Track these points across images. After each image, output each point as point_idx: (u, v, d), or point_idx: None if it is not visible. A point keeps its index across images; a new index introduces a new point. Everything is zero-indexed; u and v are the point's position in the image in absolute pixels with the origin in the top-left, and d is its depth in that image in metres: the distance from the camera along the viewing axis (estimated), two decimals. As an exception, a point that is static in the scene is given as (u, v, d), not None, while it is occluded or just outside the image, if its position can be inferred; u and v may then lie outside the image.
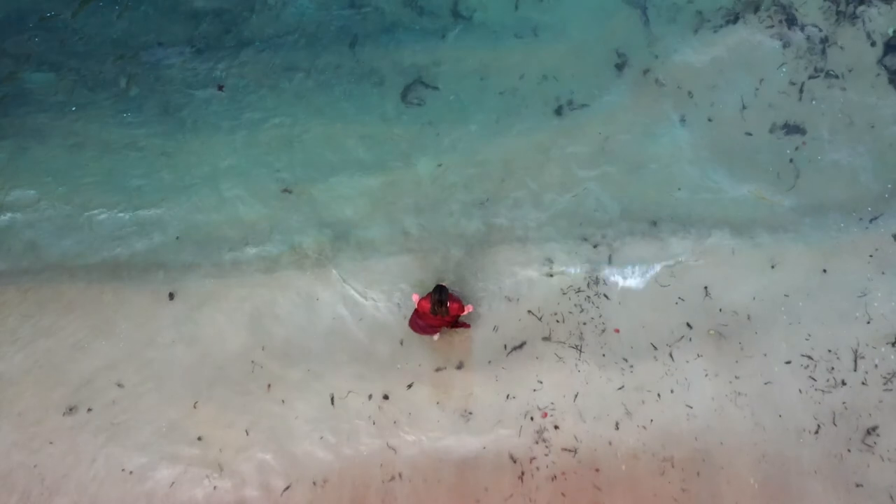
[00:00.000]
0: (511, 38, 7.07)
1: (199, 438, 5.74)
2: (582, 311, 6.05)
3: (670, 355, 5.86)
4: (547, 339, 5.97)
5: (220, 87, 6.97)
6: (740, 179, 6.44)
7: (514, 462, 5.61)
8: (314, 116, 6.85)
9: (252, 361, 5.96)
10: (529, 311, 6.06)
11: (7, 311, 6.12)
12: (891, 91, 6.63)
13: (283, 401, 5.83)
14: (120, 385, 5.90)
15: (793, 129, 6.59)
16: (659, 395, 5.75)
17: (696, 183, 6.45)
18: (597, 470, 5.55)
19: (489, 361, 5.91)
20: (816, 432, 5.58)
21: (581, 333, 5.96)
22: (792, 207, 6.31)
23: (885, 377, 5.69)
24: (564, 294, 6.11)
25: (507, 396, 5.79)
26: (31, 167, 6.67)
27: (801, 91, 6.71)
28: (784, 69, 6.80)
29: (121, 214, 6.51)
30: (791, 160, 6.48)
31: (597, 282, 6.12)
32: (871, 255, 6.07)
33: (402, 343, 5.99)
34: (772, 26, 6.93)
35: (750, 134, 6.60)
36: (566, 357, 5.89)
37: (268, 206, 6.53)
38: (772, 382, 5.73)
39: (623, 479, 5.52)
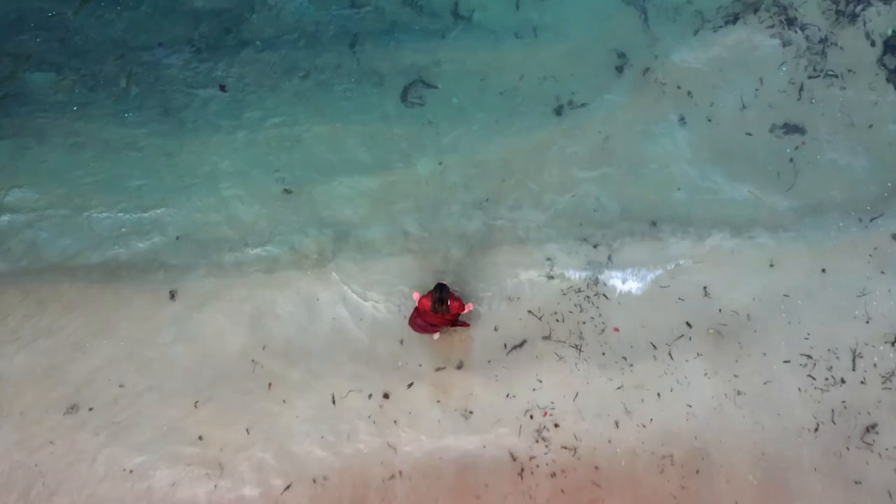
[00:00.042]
0: (511, 38, 7.08)
1: (200, 438, 5.75)
2: (582, 310, 6.06)
3: (670, 354, 5.87)
4: (547, 338, 5.98)
5: (223, 88, 6.98)
6: (740, 179, 6.45)
7: (514, 460, 5.62)
8: (314, 116, 6.86)
9: (252, 361, 5.97)
10: (529, 311, 6.08)
11: (7, 310, 6.12)
12: (890, 90, 6.64)
13: (283, 400, 5.83)
14: (120, 385, 5.91)
15: (792, 128, 6.61)
16: (658, 393, 5.76)
17: (695, 183, 6.46)
18: (596, 468, 5.56)
19: (489, 361, 5.93)
20: (815, 430, 5.60)
21: (581, 333, 5.97)
22: (791, 207, 6.32)
23: (883, 376, 5.70)
24: (564, 294, 6.12)
25: (507, 395, 5.80)
26: (32, 167, 6.67)
27: (800, 91, 6.73)
28: (784, 69, 6.81)
29: (121, 214, 6.52)
30: (791, 160, 6.50)
31: (596, 282, 6.13)
32: (870, 255, 6.08)
33: (402, 343, 5.99)
34: (772, 26, 6.94)
35: (750, 134, 6.62)
36: (566, 356, 5.90)
37: (268, 206, 6.54)
38: (771, 381, 5.75)
39: (623, 477, 5.53)
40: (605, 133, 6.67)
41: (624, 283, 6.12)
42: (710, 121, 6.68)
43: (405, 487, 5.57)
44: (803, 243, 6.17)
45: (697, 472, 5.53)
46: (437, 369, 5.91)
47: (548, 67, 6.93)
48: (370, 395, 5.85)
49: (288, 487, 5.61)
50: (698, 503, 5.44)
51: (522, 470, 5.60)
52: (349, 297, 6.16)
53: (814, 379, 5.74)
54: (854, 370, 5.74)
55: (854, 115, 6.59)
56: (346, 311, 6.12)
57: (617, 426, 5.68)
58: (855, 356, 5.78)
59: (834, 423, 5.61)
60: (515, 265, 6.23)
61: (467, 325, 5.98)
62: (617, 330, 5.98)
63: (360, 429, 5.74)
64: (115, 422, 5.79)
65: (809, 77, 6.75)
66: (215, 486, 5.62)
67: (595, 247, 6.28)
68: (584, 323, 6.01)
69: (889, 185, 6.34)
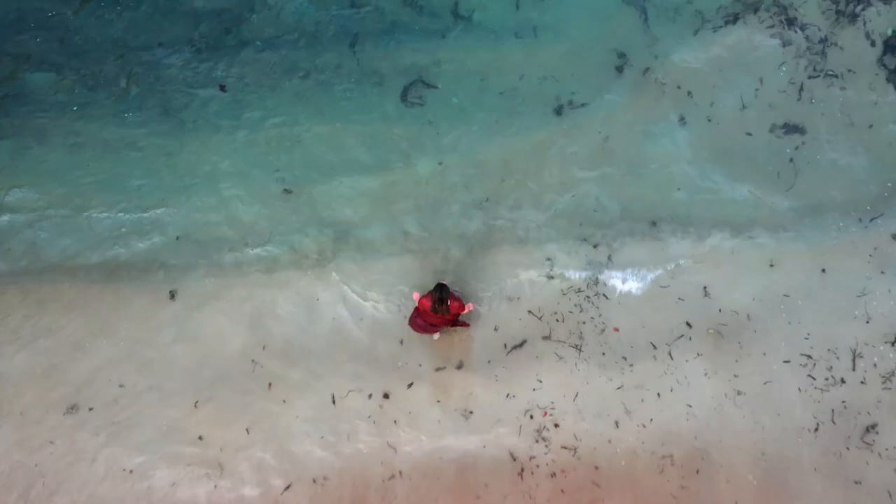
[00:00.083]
0: (511, 38, 7.08)
1: (200, 438, 5.75)
2: (582, 310, 6.06)
3: (670, 354, 5.88)
4: (547, 338, 5.98)
5: (223, 88, 6.98)
6: (740, 179, 6.45)
7: (514, 460, 5.62)
8: (314, 116, 6.86)
9: (252, 361, 5.97)
10: (529, 311, 6.08)
11: (7, 310, 6.12)
12: (890, 90, 6.64)
13: (283, 400, 5.84)
14: (120, 385, 5.91)
15: (792, 128, 6.61)
16: (658, 393, 5.76)
17: (695, 183, 6.47)
18: (596, 468, 5.56)
19: (489, 361, 5.93)
20: (815, 430, 5.60)
21: (581, 333, 5.97)
22: (791, 207, 6.32)
23: (883, 376, 5.71)
24: (564, 294, 6.12)
25: (507, 395, 5.80)
26: (32, 167, 6.67)
27: (800, 91, 6.73)
28: (784, 69, 6.81)
29: (121, 214, 6.52)
30: (791, 160, 6.50)
31: (596, 282, 6.13)
32: (870, 255, 6.08)
33: (402, 343, 6.00)
34: (772, 26, 6.94)
35: (750, 134, 6.62)
36: (566, 356, 5.90)
37: (268, 206, 6.54)
38: (771, 381, 5.75)
39: (623, 477, 5.53)
40: (605, 133, 6.67)
41: (624, 283, 6.13)
42: (710, 121, 6.68)
43: (405, 487, 5.57)
44: (803, 243, 6.17)
45: (697, 472, 5.53)
46: (437, 369, 5.91)
47: (548, 67, 6.93)
48: (370, 395, 5.85)
49: (288, 487, 5.61)
50: (698, 503, 5.44)
51: (522, 470, 5.60)
52: (349, 297, 6.16)
53: (814, 379, 5.74)
54: (854, 370, 5.74)
55: (854, 115, 6.59)
56: (346, 311, 6.12)
57: (617, 426, 5.68)
58: (855, 356, 5.78)
59: (834, 423, 5.61)
60: (515, 265, 6.23)
61: (467, 325, 5.98)
62: (617, 330, 5.98)
63: (360, 429, 5.74)
64: (115, 422, 5.79)
65: (809, 77, 6.75)
66: (215, 486, 5.62)
67: (595, 247, 6.28)
68: (584, 323, 6.01)
69: (889, 185, 6.34)
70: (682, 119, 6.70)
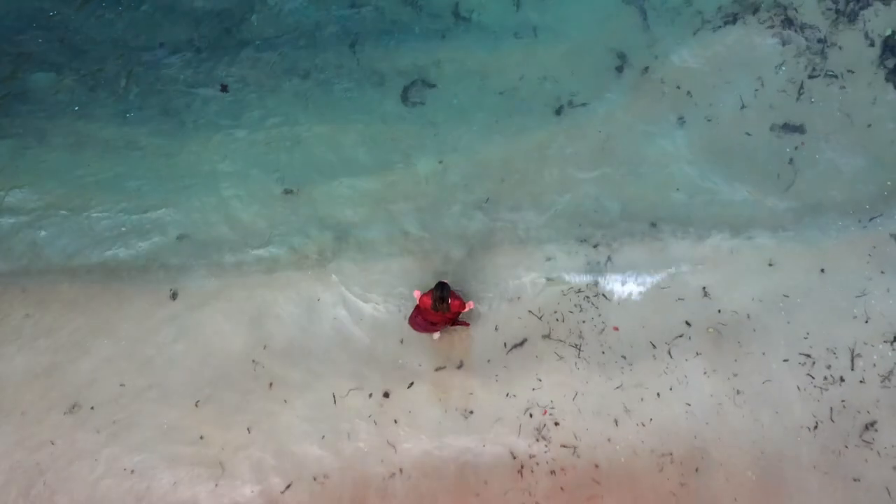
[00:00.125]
0: (511, 38, 7.09)
1: (201, 437, 5.76)
2: (581, 310, 6.07)
3: (669, 353, 5.89)
4: (547, 337, 5.99)
5: (224, 88, 6.98)
6: (739, 179, 6.47)
7: (514, 458, 5.64)
8: (314, 116, 6.86)
9: (253, 361, 5.98)
10: (529, 311, 6.09)
11: (8, 310, 6.13)
12: (889, 90, 6.65)
13: (284, 400, 5.84)
14: (121, 384, 5.92)
15: (792, 128, 6.62)
16: (658, 392, 5.78)
17: (695, 183, 6.48)
18: (596, 466, 5.58)
19: (489, 360, 5.94)
20: (815, 429, 5.61)
21: (581, 332, 5.99)
22: (791, 207, 6.34)
23: (882, 375, 5.72)
24: (564, 294, 6.13)
25: (507, 395, 5.82)
26: (32, 167, 6.67)
27: (800, 91, 6.74)
28: (783, 69, 6.82)
29: (121, 214, 6.52)
30: (790, 160, 6.51)
31: (596, 282, 6.15)
32: (869, 255, 6.10)
33: (402, 342, 6.01)
34: (771, 26, 6.95)
35: (749, 134, 6.63)
36: (566, 356, 5.92)
37: (268, 207, 6.54)
38: (770, 380, 5.76)
39: (622, 475, 5.55)
40: (605, 133, 6.68)
41: (624, 283, 6.14)
42: (709, 121, 6.70)
43: (405, 486, 5.59)
44: (803, 243, 6.18)
45: (697, 470, 5.55)
46: (438, 369, 5.92)
47: (548, 67, 6.94)
48: (370, 395, 5.86)
49: (288, 486, 5.62)
50: (698, 501, 5.46)
51: (522, 468, 5.61)
52: (349, 297, 6.17)
53: (813, 378, 5.76)
54: (853, 369, 5.76)
55: (853, 115, 6.60)
56: (347, 311, 6.13)
57: (616, 425, 5.69)
58: (854, 355, 5.80)
59: (833, 421, 5.63)
60: (515, 265, 6.24)
61: (467, 324, 5.99)
62: (617, 329, 5.99)
63: (360, 428, 5.75)
64: (116, 421, 5.79)
65: (809, 77, 6.77)
66: (216, 486, 5.63)
67: (595, 247, 6.29)
68: (583, 322, 6.02)
69: (888, 184, 6.36)
70: (681, 119, 6.71)
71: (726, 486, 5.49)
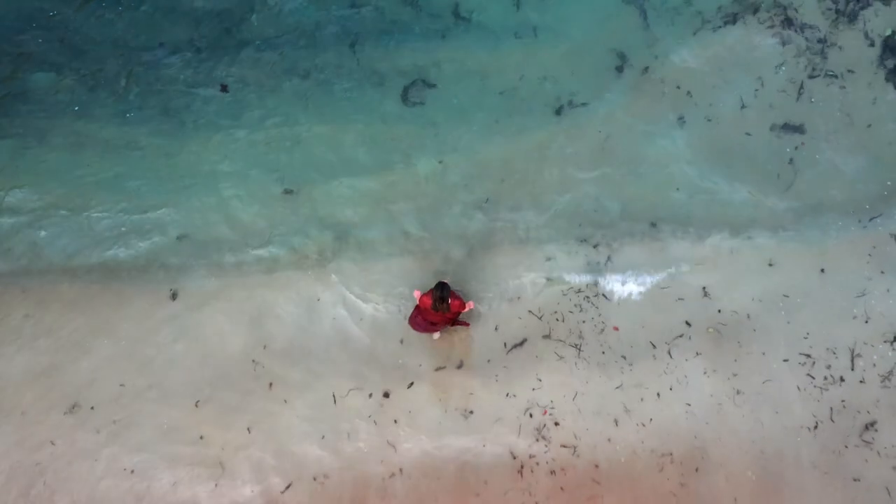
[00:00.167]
0: (511, 38, 7.09)
1: (201, 437, 5.76)
2: (581, 310, 6.07)
3: (669, 353, 5.89)
4: (547, 337, 5.99)
5: (224, 88, 6.98)
6: (739, 179, 6.47)
7: (514, 458, 5.64)
8: (314, 116, 6.87)
9: (253, 361, 5.98)
10: (529, 311, 6.09)
11: (8, 310, 6.13)
12: (889, 90, 6.66)
13: (284, 400, 5.84)
14: (121, 384, 5.92)
15: (792, 128, 6.62)
16: (658, 392, 5.78)
17: (695, 183, 6.48)
18: (596, 466, 5.58)
19: (489, 360, 5.94)
20: (815, 429, 5.62)
21: (581, 332, 5.99)
22: (791, 207, 6.34)
23: (882, 375, 5.72)
24: (564, 294, 6.14)
25: (507, 395, 5.82)
26: (32, 167, 6.68)
27: (800, 91, 6.74)
28: (783, 69, 6.82)
29: (121, 214, 6.52)
30: (790, 160, 6.51)
31: (596, 282, 6.15)
32: (869, 255, 6.10)
33: (402, 342, 6.01)
34: (771, 26, 6.95)
35: (749, 134, 6.63)
36: (566, 356, 5.92)
37: (268, 207, 6.55)
38: (770, 380, 5.76)
39: (622, 475, 5.55)
40: (605, 133, 6.68)
41: (624, 283, 6.14)
42: (709, 121, 6.70)
43: (405, 486, 5.59)
44: (803, 243, 6.18)
45: (697, 470, 5.55)
46: (438, 369, 5.92)
47: (548, 67, 6.95)
48: (370, 395, 5.86)
49: (288, 486, 5.62)
50: (698, 501, 5.46)
51: (522, 468, 5.61)
52: (349, 297, 6.17)
53: (813, 378, 5.76)
54: (853, 369, 5.76)
55: (853, 115, 6.60)
56: (347, 311, 6.13)
57: (616, 425, 5.70)
58: (854, 355, 5.80)
59: (833, 421, 5.63)
60: (515, 265, 6.24)
61: (467, 324, 5.99)
62: (617, 329, 5.99)
63: (360, 428, 5.75)
64: (116, 421, 5.80)
65: (809, 77, 6.77)
66: (216, 486, 5.63)
67: (595, 247, 6.29)
68: (583, 322, 6.02)
69: (888, 184, 6.36)
70: (681, 119, 6.71)
71: (726, 486, 5.49)
